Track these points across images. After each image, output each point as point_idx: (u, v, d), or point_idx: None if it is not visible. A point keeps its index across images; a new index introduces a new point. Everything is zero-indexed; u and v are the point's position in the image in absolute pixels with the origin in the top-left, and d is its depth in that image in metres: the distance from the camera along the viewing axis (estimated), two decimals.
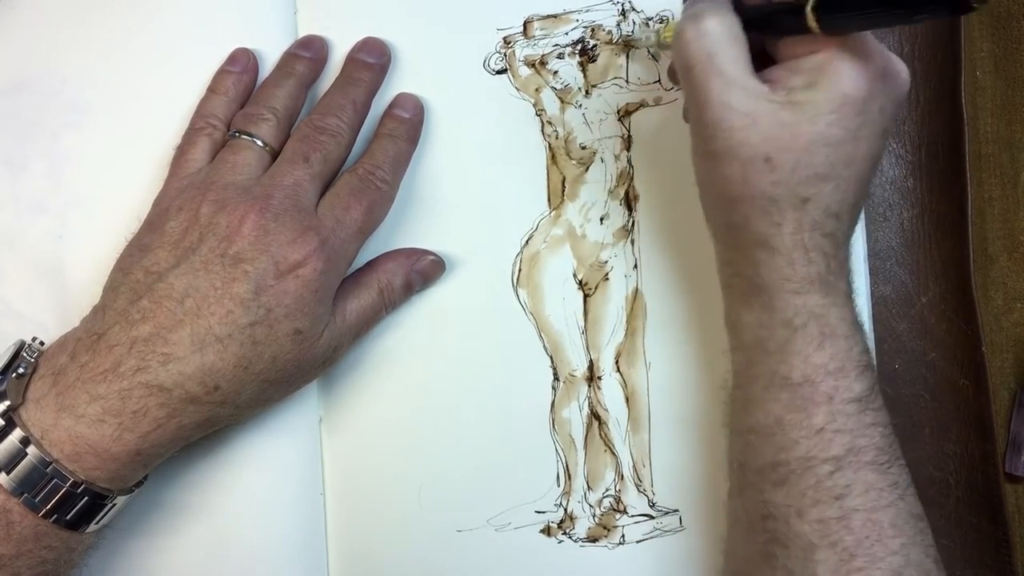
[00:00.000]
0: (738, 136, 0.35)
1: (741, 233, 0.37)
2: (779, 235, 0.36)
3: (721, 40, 0.35)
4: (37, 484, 0.36)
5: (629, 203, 0.46)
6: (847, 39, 0.35)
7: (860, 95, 0.34)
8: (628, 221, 0.46)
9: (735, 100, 0.35)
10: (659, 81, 0.46)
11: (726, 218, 0.37)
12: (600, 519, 0.46)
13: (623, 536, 0.46)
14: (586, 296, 0.46)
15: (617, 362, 0.46)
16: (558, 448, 0.46)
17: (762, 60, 0.37)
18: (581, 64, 0.46)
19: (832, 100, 0.34)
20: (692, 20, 0.36)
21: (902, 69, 0.36)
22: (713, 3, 0.37)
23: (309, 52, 0.45)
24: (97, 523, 0.39)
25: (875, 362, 0.38)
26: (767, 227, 0.36)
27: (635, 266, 0.46)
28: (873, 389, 0.37)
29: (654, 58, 0.46)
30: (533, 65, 0.46)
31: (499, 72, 0.46)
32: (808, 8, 0.34)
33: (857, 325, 0.37)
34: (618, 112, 0.46)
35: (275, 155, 0.42)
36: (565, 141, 0.46)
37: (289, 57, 0.45)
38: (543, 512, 0.46)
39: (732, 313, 0.39)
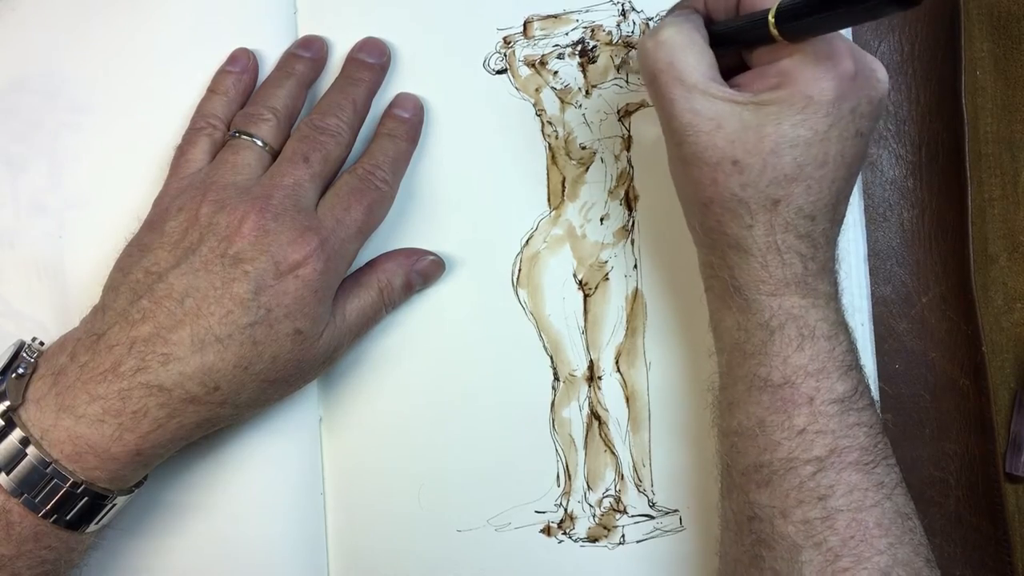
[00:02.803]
0: (704, 140, 0.35)
1: (716, 235, 0.37)
2: (751, 237, 0.36)
3: (679, 47, 0.36)
4: (37, 484, 0.36)
5: (629, 203, 0.46)
6: (812, 43, 0.35)
7: (827, 96, 0.35)
8: (628, 221, 0.46)
9: (699, 105, 0.35)
10: None
11: (701, 220, 0.37)
12: (600, 519, 0.46)
13: (623, 536, 0.46)
14: (586, 296, 0.46)
15: (617, 362, 0.46)
16: (558, 448, 0.46)
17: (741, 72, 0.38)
18: (581, 64, 0.46)
19: (797, 102, 0.35)
20: (652, 33, 0.37)
21: (878, 69, 0.36)
22: (674, 17, 0.38)
23: (309, 52, 0.45)
24: (97, 523, 0.39)
25: (863, 361, 0.38)
26: (739, 229, 0.36)
27: (635, 266, 0.46)
28: (857, 389, 0.37)
29: None
30: (533, 65, 0.46)
31: (499, 72, 0.46)
32: (770, 17, 0.34)
33: (840, 325, 0.37)
34: (618, 112, 0.46)
35: (275, 155, 0.42)
36: (565, 141, 0.46)
37: (289, 57, 0.45)
38: (543, 512, 0.46)
39: (714, 316, 0.40)
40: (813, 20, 0.34)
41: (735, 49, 0.38)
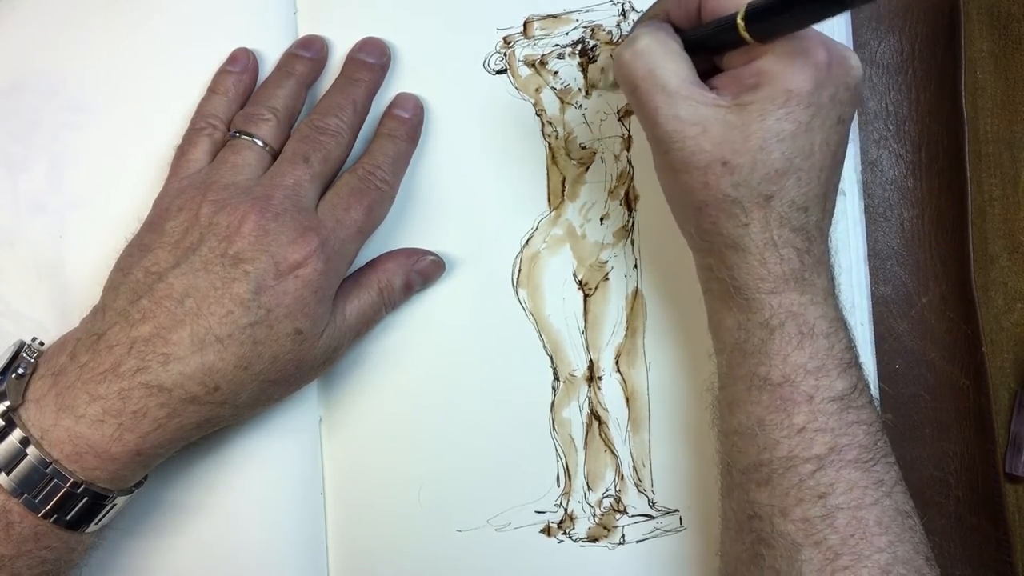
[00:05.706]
0: (691, 145, 0.36)
1: (712, 237, 0.37)
2: (747, 235, 0.36)
3: (657, 55, 0.36)
4: (37, 484, 0.36)
5: (629, 203, 0.46)
6: (784, 41, 0.35)
7: (805, 88, 0.35)
8: (628, 221, 0.46)
9: (682, 111, 0.36)
10: None
11: (696, 224, 0.38)
12: (600, 519, 0.46)
13: (623, 536, 0.46)
14: (586, 296, 0.46)
15: (617, 362, 0.46)
16: (558, 448, 0.46)
17: (714, 75, 0.38)
18: (581, 64, 0.46)
19: (777, 97, 0.35)
20: (627, 43, 0.37)
21: (850, 56, 0.37)
22: (647, 26, 0.38)
23: (309, 52, 0.45)
24: (97, 523, 0.39)
25: (863, 361, 0.38)
26: (735, 228, 0.36)
27: (635, 266, 0.46)
28: (856, 387, 0.37)
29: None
30: (533, 65, 0.46)
31: (499, 72, 0.46)
32: (739, 20, 0.35)
33: (839, 322, 0.37)
34: (618, 112, 0.46)
35: (275, 155, 0.42)
36: (565, 141, 0.46)
37: (289, 57, 0.45)
38: (543, 512, 0.46)
39: (713, 317, 0.40)
40: (783, 18, 0.34)
41: (705, 55, 0.38)
